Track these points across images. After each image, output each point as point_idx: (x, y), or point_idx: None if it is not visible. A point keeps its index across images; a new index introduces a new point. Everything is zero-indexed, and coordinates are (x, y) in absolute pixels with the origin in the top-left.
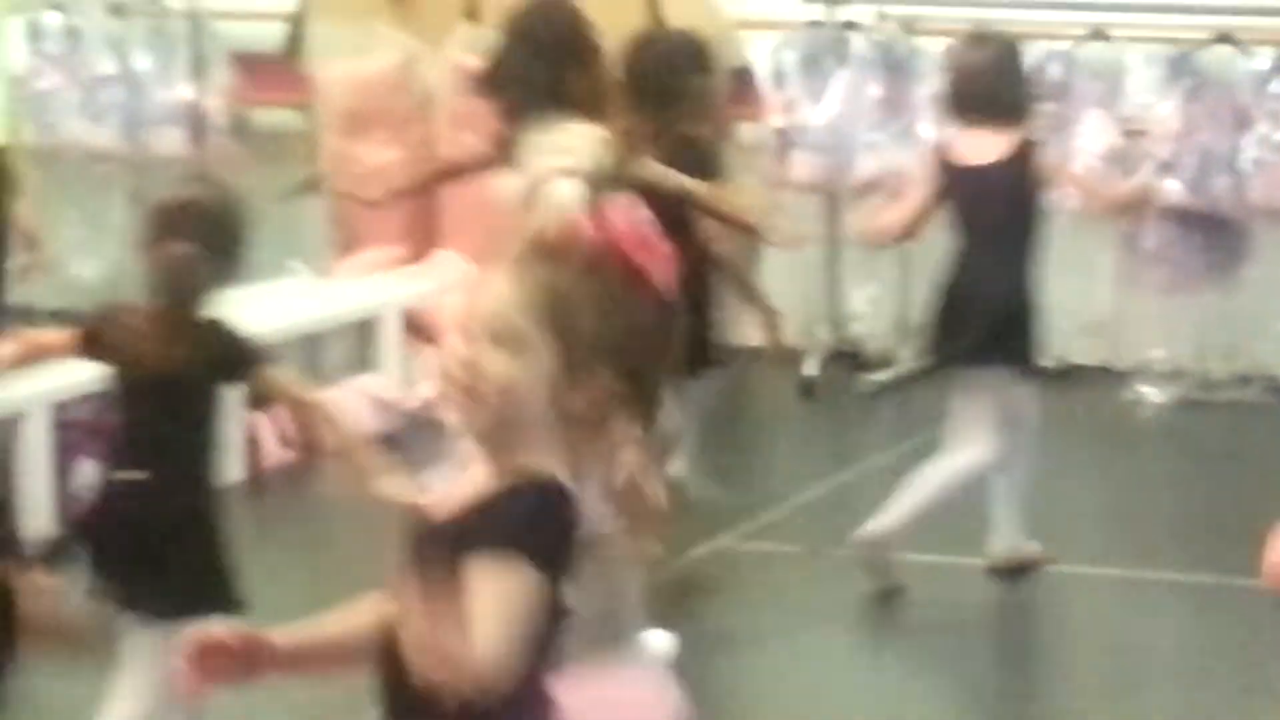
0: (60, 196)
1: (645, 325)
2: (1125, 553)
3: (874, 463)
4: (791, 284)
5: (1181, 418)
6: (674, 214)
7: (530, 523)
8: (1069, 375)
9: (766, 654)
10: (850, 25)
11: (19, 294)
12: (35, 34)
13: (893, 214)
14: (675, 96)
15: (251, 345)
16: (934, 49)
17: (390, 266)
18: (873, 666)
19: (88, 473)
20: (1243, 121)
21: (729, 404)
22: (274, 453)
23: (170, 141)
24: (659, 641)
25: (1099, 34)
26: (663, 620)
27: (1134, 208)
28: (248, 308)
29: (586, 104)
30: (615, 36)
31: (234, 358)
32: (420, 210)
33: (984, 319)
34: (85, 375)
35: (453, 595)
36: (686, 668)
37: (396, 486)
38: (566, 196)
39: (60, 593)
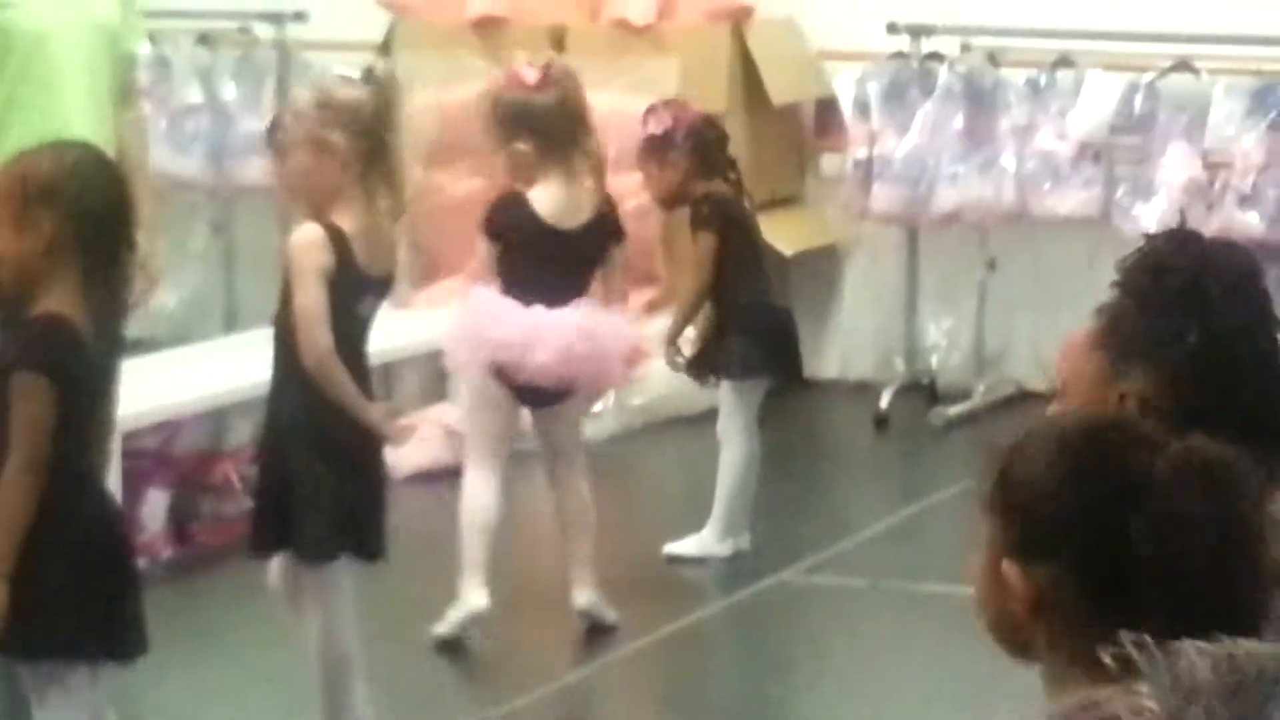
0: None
1: None
2: None
3: (944, 496)
4: (868, 316)
5: None
6: None
7: None
8: None
9: (827, 687)
10: (934, 56)
11: None
12: None
13: None
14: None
15: None
16: (1018, 81)
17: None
18: (933, 700)
19: (156, 502)
20: None
21: (803, 435)
22: None
23: (254, 171)
24: None
25: (1183, 66)
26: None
27: None
28: None
29: None
30: (705, 75)
31: None
32: None
33: None
34: (150, 405)
35: None
36: (748, 699)
37: None
38: None
39: None
